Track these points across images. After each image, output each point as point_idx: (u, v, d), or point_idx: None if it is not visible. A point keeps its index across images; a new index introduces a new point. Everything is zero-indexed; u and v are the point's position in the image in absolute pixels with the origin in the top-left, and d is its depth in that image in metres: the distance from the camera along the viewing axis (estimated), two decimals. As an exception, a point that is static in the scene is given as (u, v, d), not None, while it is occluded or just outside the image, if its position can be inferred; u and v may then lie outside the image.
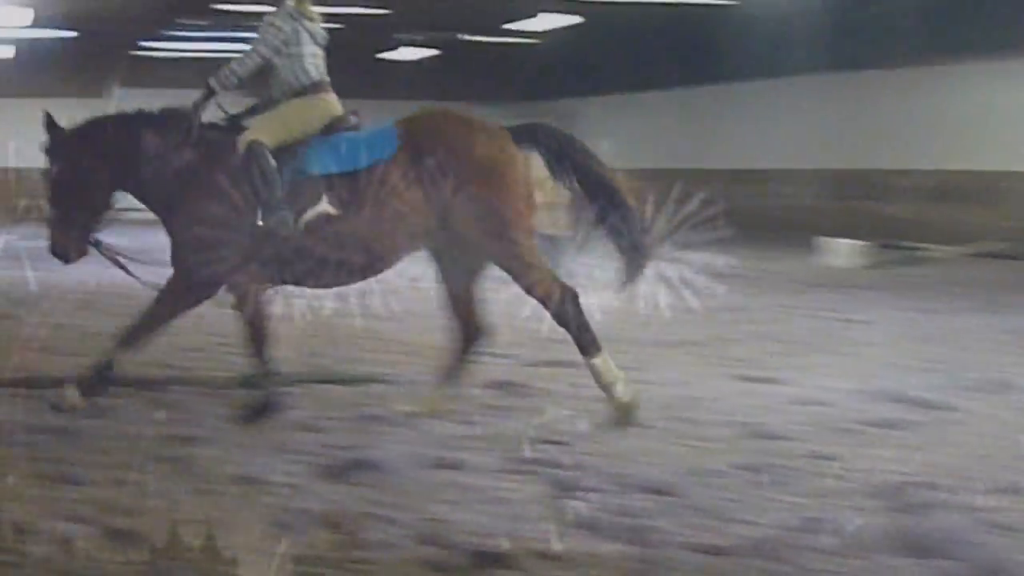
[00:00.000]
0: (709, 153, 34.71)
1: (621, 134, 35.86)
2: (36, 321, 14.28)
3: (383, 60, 35.03)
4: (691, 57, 33.26)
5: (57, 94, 36.07)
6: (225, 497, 7.18)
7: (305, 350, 12.29)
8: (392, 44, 32.99)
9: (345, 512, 6.82)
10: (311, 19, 9.61)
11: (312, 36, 9.60)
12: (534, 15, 26.66)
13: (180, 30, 28.75)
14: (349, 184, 9.25)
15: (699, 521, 6.88)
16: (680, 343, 13.36)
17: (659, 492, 7.42)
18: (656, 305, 15.91)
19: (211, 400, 10.02)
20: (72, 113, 9.72)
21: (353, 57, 35.11)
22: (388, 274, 18.27)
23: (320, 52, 9.69)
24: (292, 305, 16.02)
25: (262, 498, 7.17)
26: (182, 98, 30.87)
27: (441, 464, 7.98)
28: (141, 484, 7.42)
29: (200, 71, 35.66)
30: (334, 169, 9.30)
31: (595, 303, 15.88)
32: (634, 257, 9.69)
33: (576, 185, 9.71)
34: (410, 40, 32.13)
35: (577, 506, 7.07)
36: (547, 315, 14.17)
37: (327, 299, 16.68)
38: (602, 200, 9.64)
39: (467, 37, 30.86)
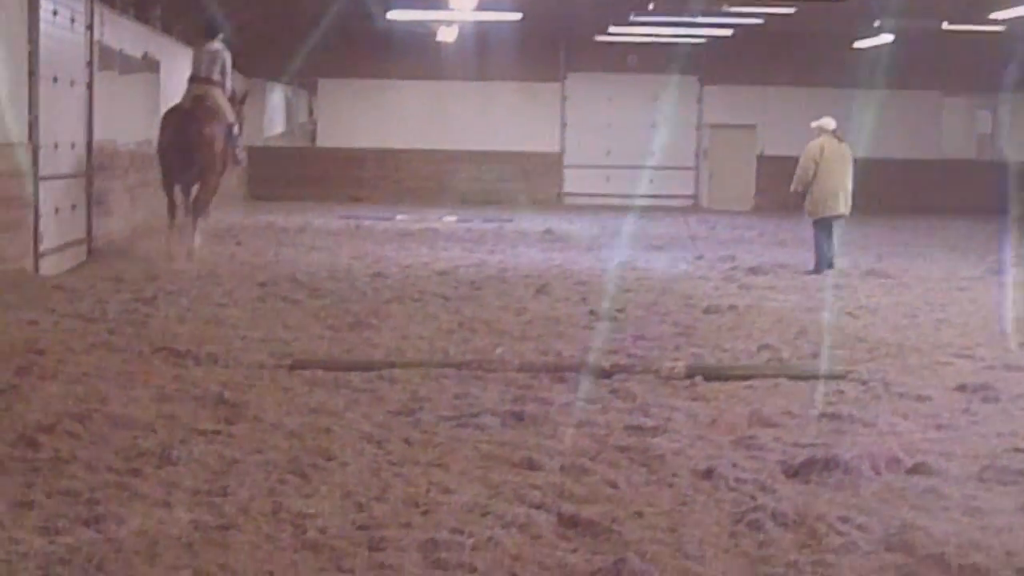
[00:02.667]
0: None
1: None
2: (498, 304, 14.64)
3: (845, 47, 34.46)
4: None
5: (503, 77, 37.23)
6: (686, 491, 7.07)
7: (764, 343, 12.08)
8: (871, 32, 32.34)
9: (808, 512, 6.58)
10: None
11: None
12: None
13: (647, 15, 28.77)
14: None
15: None
16: None
17: None
18: None
19: (665, 391, 9.93)
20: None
21: (829, 45, 34.67)
22: (850, 268, 17.93)
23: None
24: (748, 295, 15.89)
25: (724, 494, 7.02)
26: (628, 84, 30.96)
27: (908, 468, 7.63)
28: (598, 472, 7.39)
29: (650, 56, 35.86)
30: None
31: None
32: None
33: None
34: (887, 28, 31.35)
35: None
36: (1021, 316, 13.50)
37: (790, 292, 16.46)
38: None
39: (947, 26, 29.79)
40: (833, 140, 19.23)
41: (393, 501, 6.70)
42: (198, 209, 18.94)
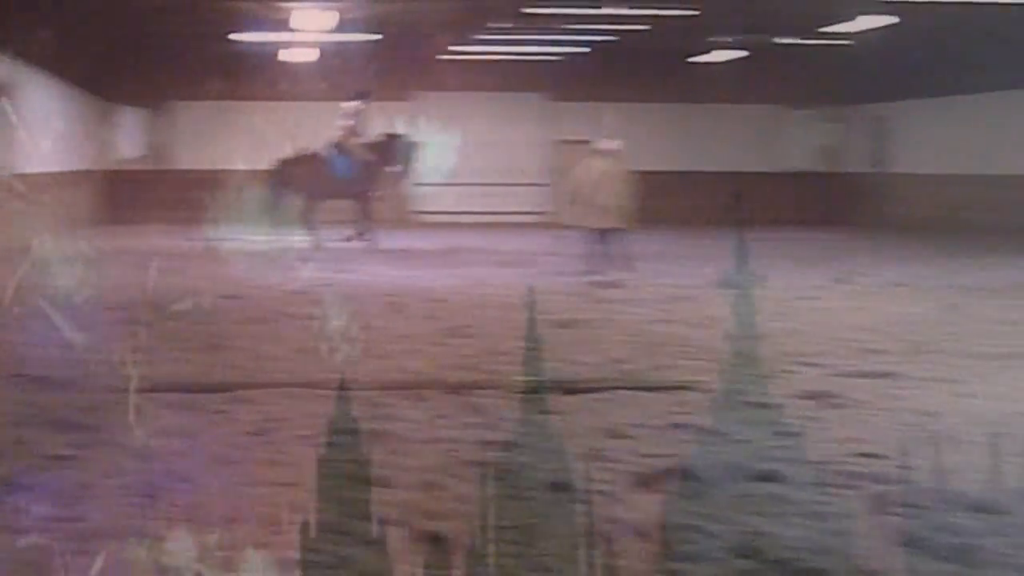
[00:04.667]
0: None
1: (935, 139, 34.92)
2: (351, 323, 14.63)
3: (694, 64, 35.02)
4: (1011, 60, 31.88)
5: (351, 97, 37.03)
6: (537, 504, 7.16)
7: (614, 356, 12.24)
8: (704, 47, 32.85)
9: (658, 522, 6.71)
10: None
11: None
12: (852, 18, 26.13)
13: (489, 34, 29.08)
14: None
15: (1029, 542, 6.54)
16: (1007, 355, 12.77)
17: (985, 510, 7.08)
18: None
19: (518, 405, 10.01)
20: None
21: (664, 60, 35.15)
22: (696, 280, 18.19)
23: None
24: (599, 309, 16.07)
25: (574, 506, 7.12)
26: (484, 101, 31.61)
27: (756, 475, 7.80)
28: (451, 488, 7.46)
29: (499, 74, 36.29)
30: None
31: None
32: None
33: None
34: (722, 43, 31.91)
35: (897, 522, 6.82)
36: (865, 324, 13.88)
37: (639, 305, 16.68)
38: None
39: (781, 40, 30.44)
40: (598, 159, 21.14)
41: (248, 522, 6.71)
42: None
